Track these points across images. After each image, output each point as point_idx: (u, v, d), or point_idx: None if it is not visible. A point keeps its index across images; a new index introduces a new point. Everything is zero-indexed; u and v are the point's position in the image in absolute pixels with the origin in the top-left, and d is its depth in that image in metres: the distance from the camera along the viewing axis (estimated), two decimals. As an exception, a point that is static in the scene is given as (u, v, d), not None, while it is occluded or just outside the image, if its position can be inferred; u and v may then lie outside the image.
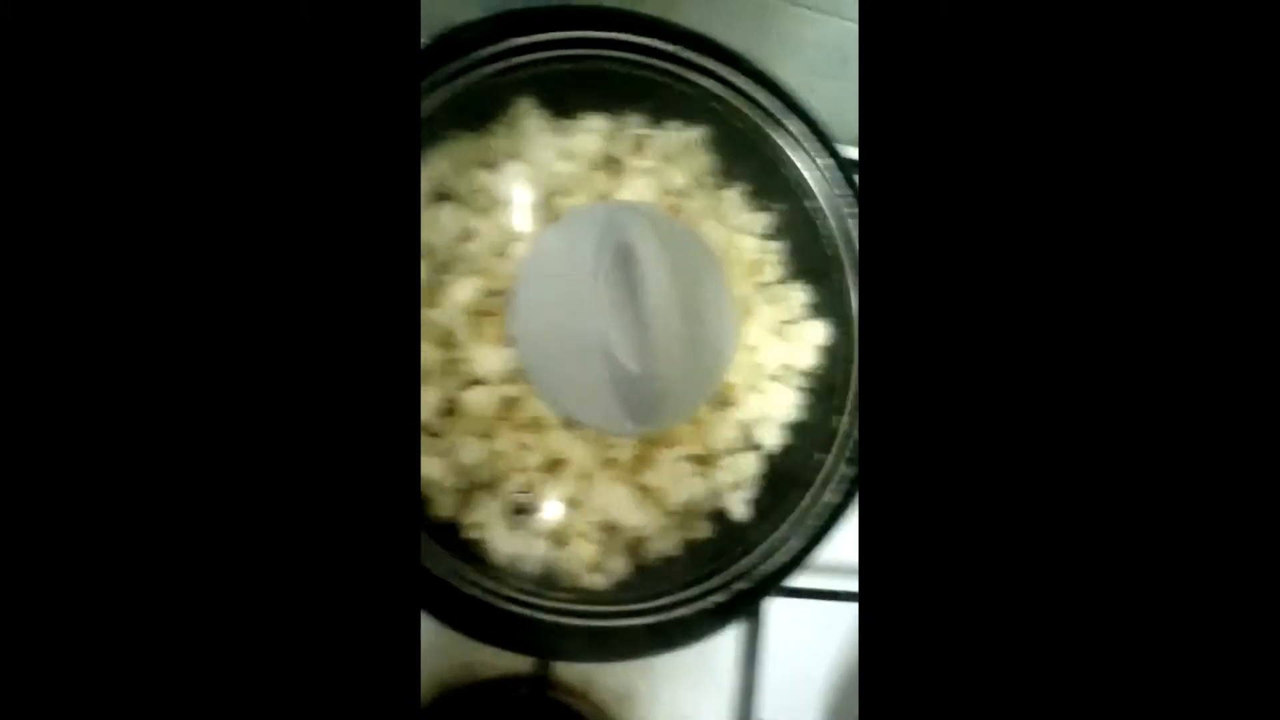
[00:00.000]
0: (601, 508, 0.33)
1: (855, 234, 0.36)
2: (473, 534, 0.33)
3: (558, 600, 0.33)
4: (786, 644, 0.42)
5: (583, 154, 0.35)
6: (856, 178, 0.37)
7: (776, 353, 0.37)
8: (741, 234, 0.37)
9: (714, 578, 0.34)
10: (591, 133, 0.36)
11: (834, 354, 0.37)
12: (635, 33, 0.34)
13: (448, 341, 0.33)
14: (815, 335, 0.37)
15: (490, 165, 0.35)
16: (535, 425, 0.34)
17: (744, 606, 0.34)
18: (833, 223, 0.36)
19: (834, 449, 0.35)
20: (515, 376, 0.33)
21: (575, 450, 0.33)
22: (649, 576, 0.35)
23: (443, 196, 0.35)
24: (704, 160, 0.37)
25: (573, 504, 0.34)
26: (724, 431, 0.36)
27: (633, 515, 0.34)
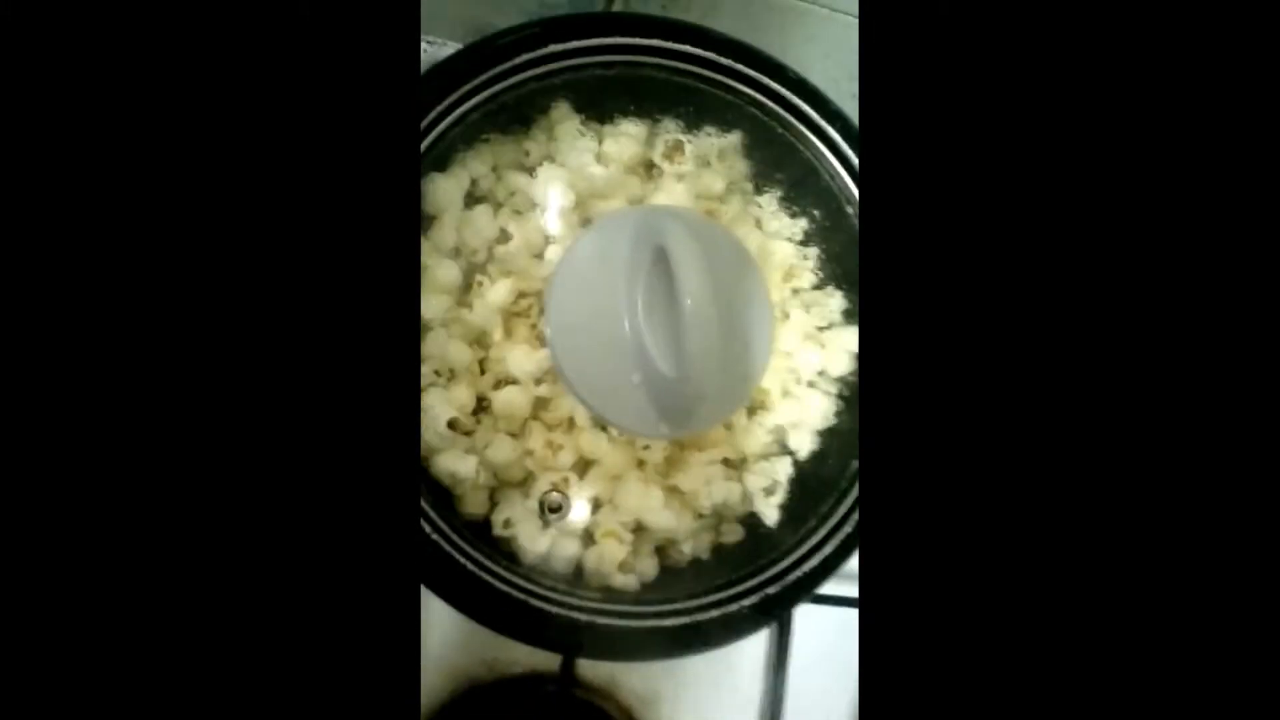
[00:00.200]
0: (632, 509, 0.34)
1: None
2: (503, 532, 0.33)
3: (587, 599, 0.33)
4: (813, 650, 0.41)
5: (619, 158, 0.36)
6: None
7: (811, 359, 0.36)
8: (777, 239, 0.37)
9: (743, 582, 0.34)
10: (628, 137, 0.36)
11: (867, 361, 0.36)
12: (673, 40, 0.35)
13: (481, 341, 0.34)
14: (850, 342, 0.37)
15: (527, 168, 0.35)
16: (567, 425, 0.34)
17: (773, 612, 0.34)
18: (868, 229, 0.36)
19: (866, 456, 0.35)
20: (548, 377, 0.33)
21: (607, 451, 0.34)
22: (678, 578, 0.35)
23: (480, 198, 0.35)
24: (740, 165, 0.37)
25: (603, 504, 0.34)
26: (757, 436, 0.36)
27: (663, 517, 0.34)
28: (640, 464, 0.34)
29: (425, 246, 0.34)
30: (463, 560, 0.32)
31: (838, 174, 0.36)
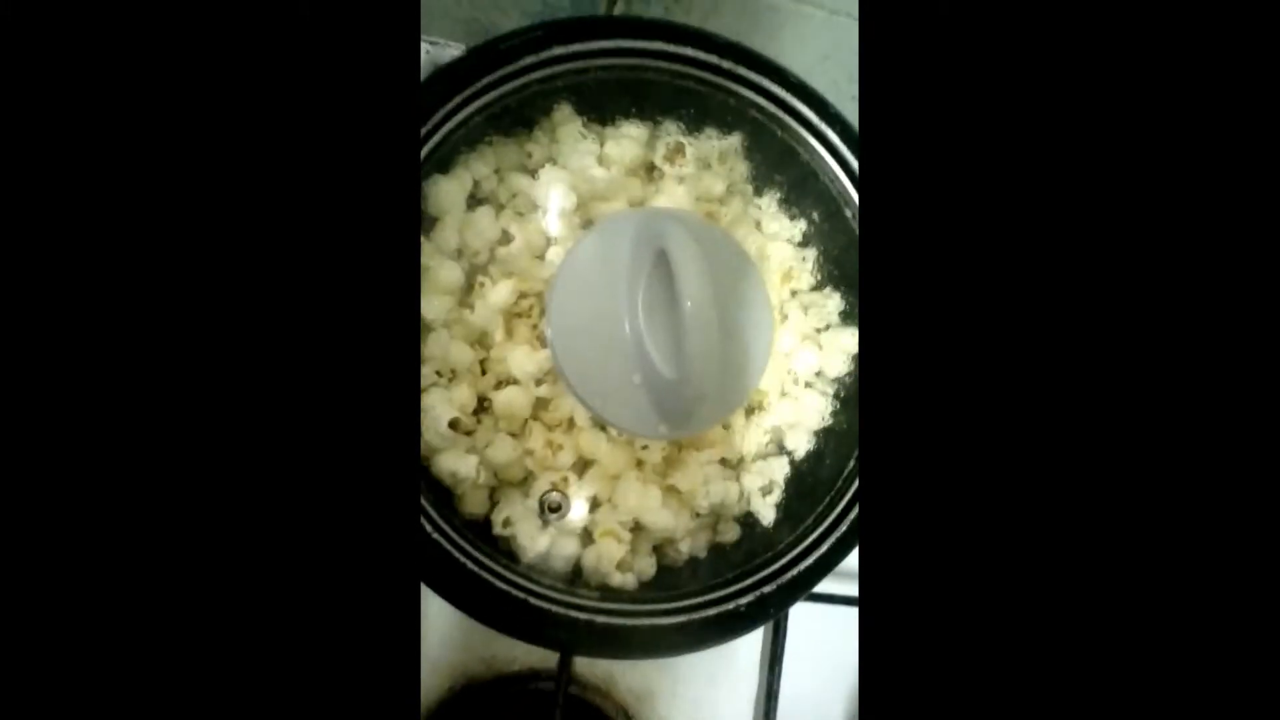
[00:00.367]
0: (630, 508, 0.34)
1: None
2: (503, 531, 0.33)
3: (585, 598, 0.33)
4: (809, 648, 0.42)
5: (620, 160, 0.36)
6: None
7: (808, 360, 0.37)
8: (776, 241, 0.38)
9: (740, 581, 0.34)
10: (629, 139, 0.36)
11: (865, 363, 0.37)
12: (675, 43, 0.35)
13: (483, 342, 0.34)
14: (847, 343, 0.37)
15: (529, 170, 0.36)
16: (567, 426, 0.34)
17: (769, 611, 0.35)
18: (866, 232, 0.36)
19: (862, 457, 0.35)
20: (548, 377, 0.34)
21: (606, 451, 0.34)
22: (675, 577, 0.35)
23: (482, 200, 0.35)
24: (740, 167, 0.38)
25: (602, 504, 0.34)
26: (755, 437, 0.36)
27: (661, 516, 0.34)
28: (639, 464, 0.35)
29: (428, 248, 0.34)
30: (463, 559, 0.32)
31: (836, 177, 0.37)
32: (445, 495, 0.33)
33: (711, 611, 0.34)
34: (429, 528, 0.31)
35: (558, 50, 0.34)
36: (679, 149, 0.36)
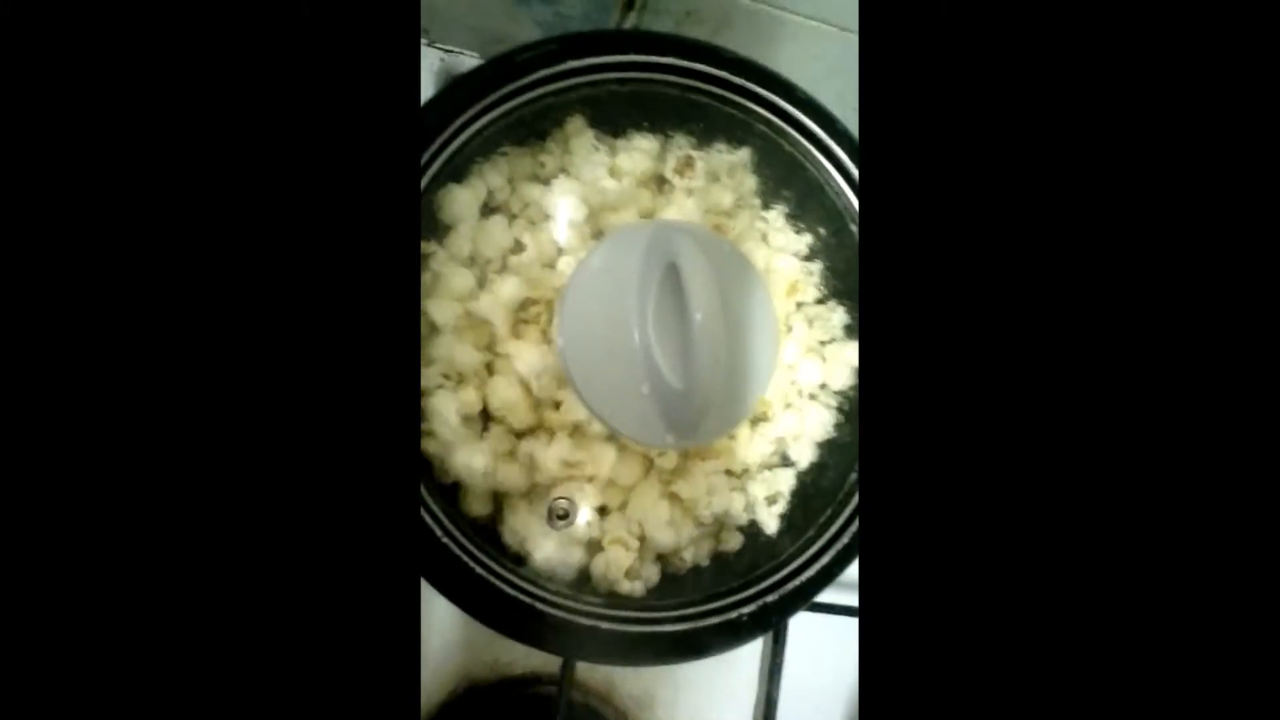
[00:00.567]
0: (638, 517, 0.34)
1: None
2: (511, 539, 0.34)
3: (590, 604, 0.34)
4: (809, 657, 0.42)
5: (631, 172, 0.36)
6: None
7: (813, 372, 0.37)
8: (782, 254, 0.38)
9: (743, 590, 0.35)
10: (640, 152, 0.37)
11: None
12: (686, 58, 0.35)
13: (490, 346, 0.35)
14: (851, 356, 0.37)
15: (542, 180, 0.36)
16: (576, 433, 0.35)
17: (771, 620, 0.35)
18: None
19: (865, 469, 0.36)
20: (556, 384, 0.34)
21: (614, 460, 0.34)
22: (679, 585, 0.36)
23: (495, 209, 0.36)
24: (749, 181, 0.38)
25: (610, 512, 0.35)
26: (759, 447, 0.36)
27: (666, 526, 0.34)
28: (647, 473, 0.35)
29: (441, 255, 0.34)
30: (470, 563, 0.32)
31: (843, 192, 0.37)
32: (452, 497, 0.34)
33: (714, 620, 0.34)
34: (438, 531, 0.32)
35: (572, 64, 0.34)
36: (689, 162, 0.37)
